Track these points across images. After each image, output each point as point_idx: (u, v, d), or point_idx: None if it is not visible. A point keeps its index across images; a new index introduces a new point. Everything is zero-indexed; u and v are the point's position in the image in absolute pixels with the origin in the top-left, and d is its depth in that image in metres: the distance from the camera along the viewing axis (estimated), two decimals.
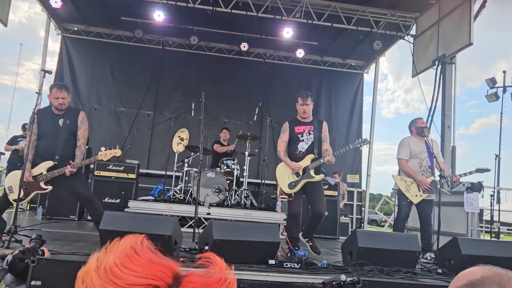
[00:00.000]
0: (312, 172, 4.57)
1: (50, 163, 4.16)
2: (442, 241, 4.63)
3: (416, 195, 5.21)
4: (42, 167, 4.15)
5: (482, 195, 6.46)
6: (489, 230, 7.92)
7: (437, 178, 5.31)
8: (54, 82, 4.88)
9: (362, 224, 10.49)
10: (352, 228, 9.52)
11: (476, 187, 6.30)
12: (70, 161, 4.13)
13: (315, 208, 4.61)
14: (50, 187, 4.23)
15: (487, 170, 5.38)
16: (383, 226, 15.76)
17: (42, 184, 4.18)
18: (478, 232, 6.66)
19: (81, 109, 4.63)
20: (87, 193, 4.28)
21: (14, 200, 4.03)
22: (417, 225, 5.49)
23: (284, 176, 4.68)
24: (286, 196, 4.76)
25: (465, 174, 5.49)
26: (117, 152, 4.37)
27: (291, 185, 4.61)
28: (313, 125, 4.72)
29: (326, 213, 7.24)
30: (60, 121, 4.26)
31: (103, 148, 4.38)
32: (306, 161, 4.59)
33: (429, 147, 5.37)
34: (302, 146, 4.66)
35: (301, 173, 4.59)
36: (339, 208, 8.05)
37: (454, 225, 6.44)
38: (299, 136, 4.69)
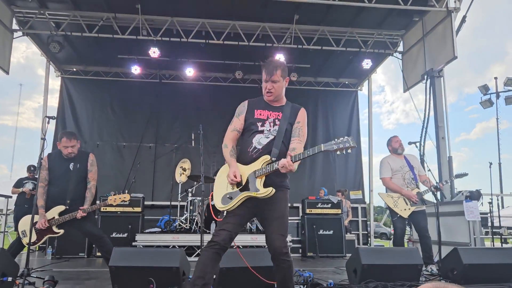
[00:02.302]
0: (258, 183, 2.86)
1: (61, 208, 4.31)
2: (446, 251, 4.72)
3: (405, 209, 5.31)
4: (54, 212, 4.30)
5: (481, 203, 6.59)
6: (499, 236, 7.95)
7: (423, 189, 5.47)
8: (63, 131, 5.05)
9: (369, 239, 10.54)
10: (358, 244, 9.59)
11: (475, 196, 6.45)
12: (80, 207, 4.28)
13: (269, 243, 2.90)
14: (62, 231, 4.37)
15: (465, 174, 5.54)
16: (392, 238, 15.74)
17: (54, 228, 4.33)
18: (482, 240, 6.73)
19: (88, 151, 4.78)
20: (97, 231, 4.41)
21: (27, 244, 4.17)
22: None
23: (222, 184, 3.03)
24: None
25: (446, 182, 5.72)
26: (126, 197, 4.51)
27: (225, 199, 2.96)
28: (283, 112, 3.10)
29: (329, 232, 7.21)
30: (71, 166, 4.43)
31: (112, 193, 4.52)
32: (257, 164, 2.93)
33: (409, 161, 5.54)
34: (259, 141, 3.00)
35: (243, 182, 2.92)
36: (343, 226, 8.15)
37: (457, 234, 6.53)
38: (259, 124, 3.03)
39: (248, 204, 2.89)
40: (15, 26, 8.51)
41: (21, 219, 4.54)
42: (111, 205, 4.52)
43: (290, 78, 10.02)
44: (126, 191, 4.55)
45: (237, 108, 3.19)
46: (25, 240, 4.33)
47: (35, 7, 8.30)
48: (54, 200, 4.36)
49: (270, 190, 2.80)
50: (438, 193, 5.74)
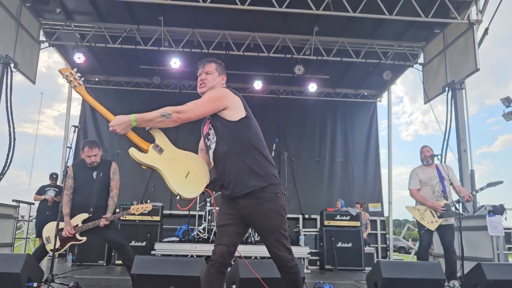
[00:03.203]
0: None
1: (85, 215, 4.39)
2: (469, 267, 4.63)
3: (432, 222, 5.19)
4: (78, 219, 4.38)
5: (505, 218, 6.42)
6: None
7: (450, 201, 5.29)
8: (85, 140, 5.14)
9: (388, 253, 10.39)
10: (377, 257, 9.45)
11: (498, 210, 6.29)
12: (103, 216, 4.35)
13: (272, 256, 2.68)
14: (84, 238, 4.45)
15: (500, 182, 5.24)
16: (411, 252, 15.46)
17: (77, 235, 4.41)
18: (506, 255, 6.55)
19: (110, 159, 4.86)
20: (119, 239, 4.47)
21: (51, 250, 4.25)
22: (442, 252, 5.46)
23: (179, 170, 2.86)
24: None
25: (476, 191, 5.49)
26: (148, 207, 4.57)
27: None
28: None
29: (348, 244, 7.09)
30: (94, 174, 4.51)
31: (135, 202, 4.58)
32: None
33: (440, 172, 5.39)
34: (211, 155, 2.80)
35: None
36: (362, 239, 8.06)
37: (480, 250, 6.38)
38: (206, 141, 2.86)
39: (231, 212, 2.71)
40: (41, 37, 8.78)
41: (43, 225, 4.64)
42: (133, 214, 4.57)
43: (309, 90, 10.27)
44: (149, 201, 4.61)
45: None
46: (49, 247, 4.41)
47: (62, 19, 8.55)
48: (78, 208, 4.44)
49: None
50: (460, 206, 5.59)
